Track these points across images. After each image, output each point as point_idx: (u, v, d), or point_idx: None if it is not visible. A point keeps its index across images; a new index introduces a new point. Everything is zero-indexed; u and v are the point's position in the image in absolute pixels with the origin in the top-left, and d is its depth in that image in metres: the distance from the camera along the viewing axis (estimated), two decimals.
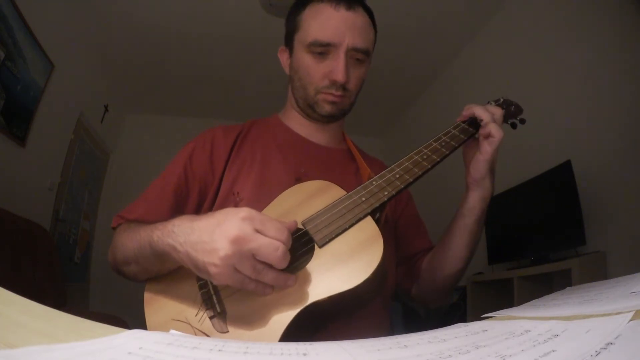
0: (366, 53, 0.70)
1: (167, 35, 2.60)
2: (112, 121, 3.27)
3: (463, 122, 0.67)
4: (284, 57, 0.78)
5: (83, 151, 2.87)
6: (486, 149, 0.61)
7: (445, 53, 2.75)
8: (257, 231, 0.43)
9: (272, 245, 0.42)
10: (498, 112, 0.64)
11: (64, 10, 2.29)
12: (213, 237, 0.43)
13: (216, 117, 3.53)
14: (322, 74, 0.68)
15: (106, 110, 3.14)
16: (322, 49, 0.67)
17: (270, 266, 0.44)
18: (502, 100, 0.74)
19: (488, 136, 0.61)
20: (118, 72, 3.02)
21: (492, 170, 0.63)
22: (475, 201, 0.64)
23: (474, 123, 0.66)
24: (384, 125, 3.86)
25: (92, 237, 3.10)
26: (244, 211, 0.44)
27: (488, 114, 0.62)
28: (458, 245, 0.67)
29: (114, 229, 0.65)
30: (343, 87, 0.68)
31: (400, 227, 0.79)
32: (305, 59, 0.70)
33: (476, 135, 0.65)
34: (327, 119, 0.74)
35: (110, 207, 3.24)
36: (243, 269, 0.43)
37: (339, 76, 0.66)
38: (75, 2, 2.28)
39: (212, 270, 0.43)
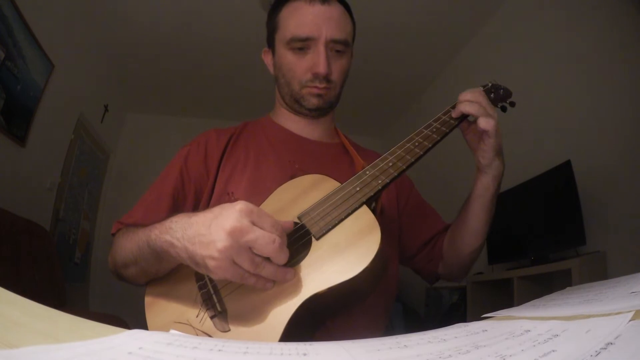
0: (345, 44, 0.71)
1: (167, 36, 2.60)
2: (112, 121, 3.27)
3: (452, 107, 0.67)
4: (267, 58, 0.80)
5: (83, 151, 2.86)
6: (487, 140, 0.63)
7: (445, 53, 2.76)
8: (254, 224, 0.43)
9: (268, 237, 0.42)
10: (475, 94, 0.64)
11: (64, 10, 2.29)
12: (210, 229, 0.43)
13: (216, 117, 3.53)
14: (304, 69, 0.70)
15: (106, 110, 3.14)
16: (301, 44, 0.69)
17: (268, 260, 0.44)
18: (490, 85, 0.75)
19: (484, 131, 0.62)
20: (118, 72, 3.02)
21: (499, 153, 0.65)
22: (488, 182, 0.66)
23: None
24: (384, 125, 3.86)
25: (92, 237, 3.10)
26: (240, 204, 0.44)
27: (472, 106, 0.63)
28: (479, 223, 0.69)
29: (113, 235, 0.66)
30: (327, 79, 0.70)
31: (409, 215, 0.80)
32: (287, 56, 0.71)
33: (469, 118, 0.65)
34: (314, 113, 0.75)
35: (110, 207, 3.24)
36: (241, 262, 0.43)
37: (321, 68, 0.68)
38: (75, 2, 2.27)
39: (211, 263, 0.43)
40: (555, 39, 1.90)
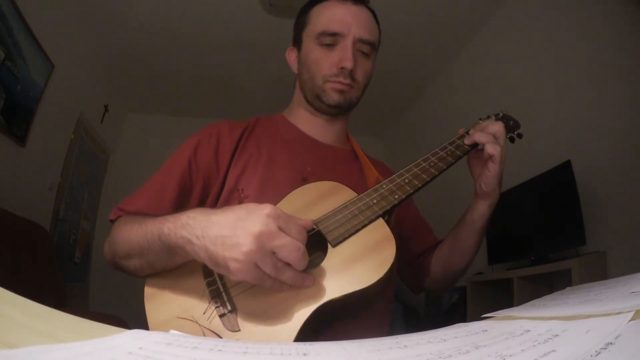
0: (372, 45, 0.73)
1: (167, 35, 2.60)
2: (112, 121, 3.26)
3: (467, 132, 0.69)
4: (292, 57, 0.80)
5: (83, 151, 2.86)
6: (492, 166, 0.64)
7: (446, 54, 2.75)
8: (280, 229, 0.43)
9: (294, 245, 0.43)
10: (498, 127, 0.66)
11: (64, 10, 2.29)
12: (235, 231, 0.43)
13: (216, 117, 3.50)
14: (330, 63, 0.71)
15: (106, 110, 3.14)
16: (330, 40, 0.70)
17: (289, 265, 0.45)
18: (501, 114, 0.77)
19: (490, 156, 0.64)
20: (118, 72, 3.02)
21: (500, 182, 0.67)
22: (485, 208, 0.68)
23: None
24: (384, 125, 3.85)
25: (92, 237, 3.10)
26: (268, 208, 0.44)
27: (486, 136, 0.65)
28: (469, 246, 0.72)
29: (112, 221, 0.64)
30: (351, 76, 0.70)
31: (407, 228, 0.81)
32: (315, 50, 0.72)
33: (479, 147, 0.67)
34: (334, 110, 0.74)
35: (110, 207, 3.17)
36: (264, 265, 0.43)
37: (347, 62, 0.68)
38: (75, 2, 2.27)
39: (233, 265, 0.43)
40: (555, 39, 1.90)
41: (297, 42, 0.78)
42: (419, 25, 2.49)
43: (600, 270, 1.47)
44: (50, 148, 2.41)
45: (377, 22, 0.77)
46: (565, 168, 1.62)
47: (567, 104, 1.81)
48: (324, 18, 0.72)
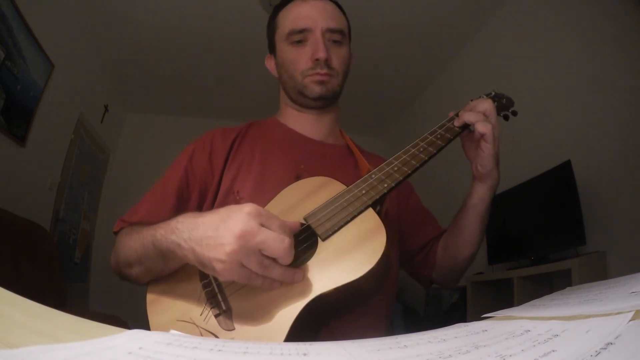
0: (341, 33, 0.74)
1: (167, 35, 2.60)
2: (112, 121, 3.27)
3: (456, 114, 0.68)
4: (270, 64, 0.82)
5: (83, 151, 2.86)
6: (485, 146, 0.63)
7: (446, 53, 2.75)
8: (262, 225, 0.43)
9: (277, 238, 0.43)
10: (487, 105, 0.65)
11: (64, 10, 2.29)
12: (218, 232, 0.43)
13: (216, 117, 3.53)
14: (305, 58, 0.72)
15: (106, 110, 3.14)
16: (299, 37, 0.73)
17: (276, 261, 0.45)
18: (493, 93, 0.76)
19: (481, 135, 0.63)
20: (118, 72, 3.02)
21: (497, 162, 0.65)
22: (485, 191, 0.67)
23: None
24: (384, 125, 3.86)
25: (92, 237, 3.10)
26: (248, 206, 0.44)
27: (476, 115, 0.64)
28: (473, 232, 0.70)
29: (115, 233, 0.66)
30: (327, 65, 0.72)
31: (408, 220, 0.80)
32: (288, 51, 0.74)
33: (471, 128, 0.66)
34: (319, 102, 0.75)
35: (110, 207, 3.23)
36: (249, 264, 0.43)
37: (320, 53, 0.70)
38: (75, 2, 2.27)
39: (218, 266, 0.43)
40: (555, 39, 1.90)
41: (272, 48, 0.80)
42: (419, 25, 2.49)
43: (600, 270, 1.47)
44: (50, 148, 2.41)
45: (343, 11, 0.78)
46: (565, 168, 1.61)
47: (567, 104, 1.81)
48: (290, 17, 0.75)
